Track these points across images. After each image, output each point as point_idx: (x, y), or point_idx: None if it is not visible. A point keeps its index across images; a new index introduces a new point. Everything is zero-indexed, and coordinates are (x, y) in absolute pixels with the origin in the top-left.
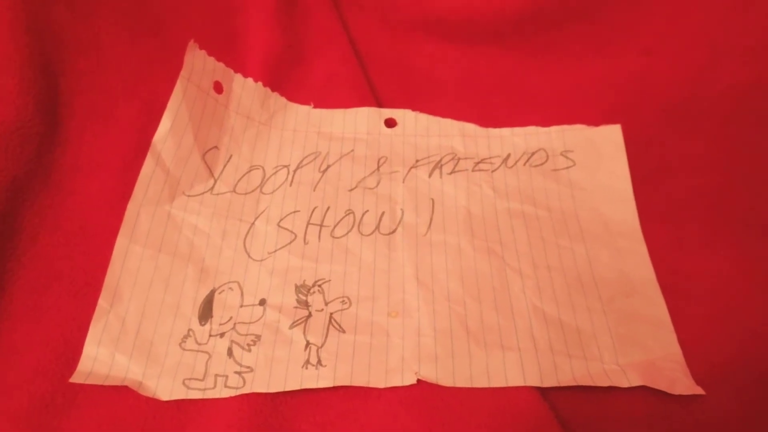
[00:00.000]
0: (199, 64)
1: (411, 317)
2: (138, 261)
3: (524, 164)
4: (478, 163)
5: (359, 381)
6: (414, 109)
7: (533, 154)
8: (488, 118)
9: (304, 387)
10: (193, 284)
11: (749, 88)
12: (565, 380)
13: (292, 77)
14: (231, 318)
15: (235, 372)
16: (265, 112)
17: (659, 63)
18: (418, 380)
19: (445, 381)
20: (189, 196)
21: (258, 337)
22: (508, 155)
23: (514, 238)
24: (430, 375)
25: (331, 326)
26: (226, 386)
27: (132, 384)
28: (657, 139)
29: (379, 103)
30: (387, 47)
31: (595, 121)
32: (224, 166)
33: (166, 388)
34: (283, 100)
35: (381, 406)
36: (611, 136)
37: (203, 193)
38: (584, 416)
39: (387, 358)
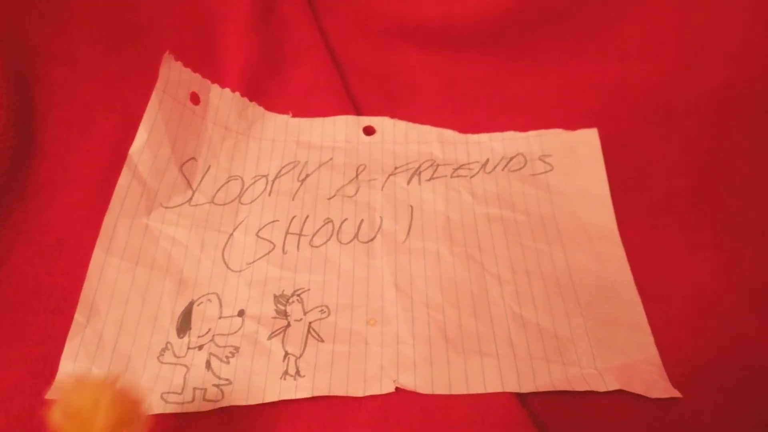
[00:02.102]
0: (174, 75)
1: (390, 325)
2: (115, 274)
3: (502, 169)
4: (457, 169)
5: (337, 390)
6: (394, 116)
7: (511, 159)
8: (468, 124)
9: (282, 398)
10: (171, 297)
11: (726, 91)
12: (543, 385)
13: (271, 86)
14: (209, 330)
15: (214, 385)
16: (243, 122)
17: (637, 67)
18: (397, 388)
19: (424, 388)
20: (167, 207)
21: (236, 348)
22: (487, 161)
23: (493, 243)
24: (409, 383)
25: (309, 336)
26: (204, 399)
27: None
28: (635, 142)
29: (359, 111)
30: (366, 55)
31: (573, 124)
32: (202, 177)
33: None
34: (261, 109)
35: (361, 415)
36: (588, 140)
37: (181, 205)
38: (563, 421)
39: (365, 366)
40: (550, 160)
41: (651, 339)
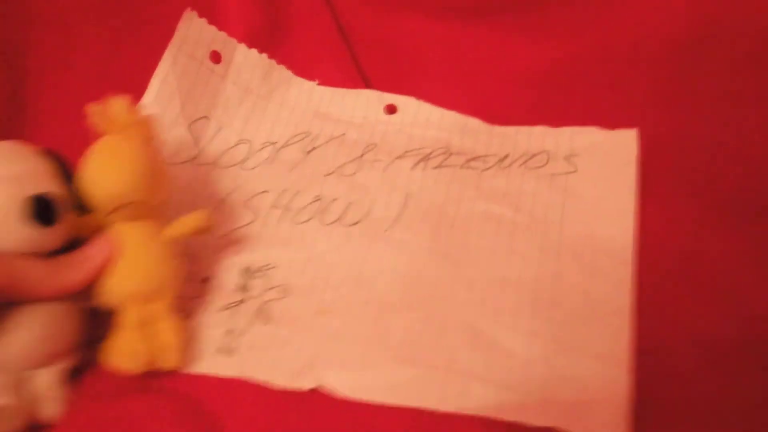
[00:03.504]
0: (194, 32)
1: (336, 318)
2: None
3: (520, 165)
4: (470, 160)
5: (262, 376)
6: (400, 86)
7: (534, 155)
8: (476, 97)
9: (210, 373)
10: None
11: (743, 63)
12: (468, 407)
13: (273, 56)
14: None
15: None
16: (266, 85)
17: (651, 37)
18: (316, 389)
19: (343, 390)
20: (171, 163)
21: (189, 314)
22: (506, 155)
23: (479, 244)
24: (331, 382)
25: (258, 316)
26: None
27: None
28: (649, 116)
29: (366, 81)
30: (371, 24)
31: (584, 96)
32: (212, 138)
33: None
34: (288, 73)
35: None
36: (625, 142)
37: (184, 162)
38: None
39: (298, 357)
40: (575, 160)
41: (625, 376)
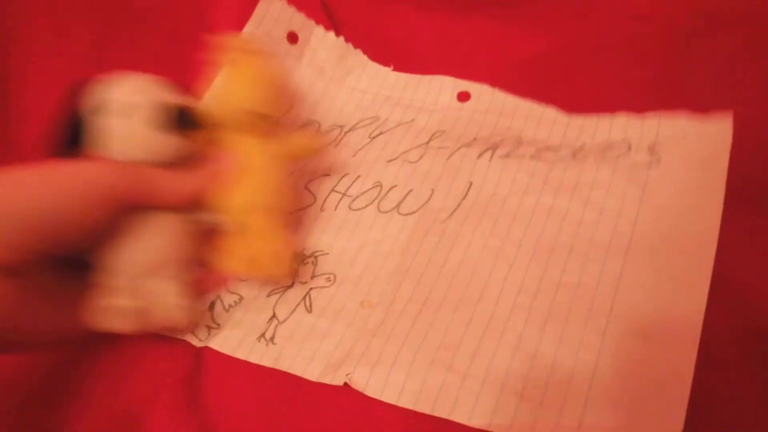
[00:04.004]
0: (273, 12)
1: (379, 312)
2: None
3: (595, 156)
4: (542, 150)
5: (295, 369)
6: None
7: (612, 145)
8: None
9: (247, 359)
10: None
11: (741, 54)
12: (498, 425)
13: None
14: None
15: (206, 325)
16: (340, 69)
17: (649, 27)
18: (346, 384)
19: (373, 391)
20: None
21: (241, 298)
22: (582, 145)
23: (536, 243)
24: (360, 381)
25: (302, 303)
26: (194, 334)
27: None
28: (644, 107)
29: None
30: (365, 16)
31: (583, 87)
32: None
33: None
34: (364, 58)
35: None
36: (717, 132)
37: None
38: None
39: (334, 352)
40: (659, 150)
41: (683, 409)
